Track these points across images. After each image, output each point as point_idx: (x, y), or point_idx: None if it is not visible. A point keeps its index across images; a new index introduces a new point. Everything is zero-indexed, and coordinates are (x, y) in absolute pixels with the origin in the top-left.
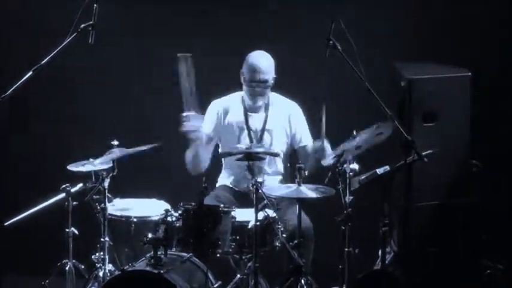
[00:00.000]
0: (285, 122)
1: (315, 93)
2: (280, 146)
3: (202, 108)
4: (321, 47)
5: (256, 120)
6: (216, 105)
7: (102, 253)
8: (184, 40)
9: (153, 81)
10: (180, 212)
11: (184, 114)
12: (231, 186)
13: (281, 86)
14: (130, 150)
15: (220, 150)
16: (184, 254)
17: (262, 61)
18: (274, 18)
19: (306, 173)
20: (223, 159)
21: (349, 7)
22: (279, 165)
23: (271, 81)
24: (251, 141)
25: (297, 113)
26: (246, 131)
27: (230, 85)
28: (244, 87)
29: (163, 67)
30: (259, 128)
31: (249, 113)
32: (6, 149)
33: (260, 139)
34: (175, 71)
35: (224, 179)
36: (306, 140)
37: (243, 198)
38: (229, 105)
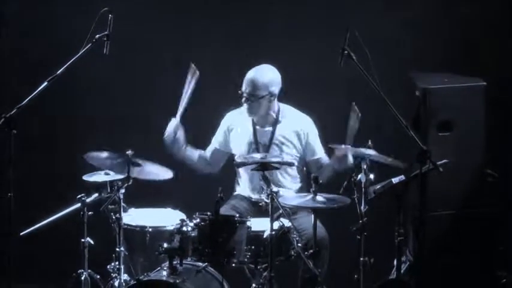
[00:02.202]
0: (293, 135)
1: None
2: (290, 158)
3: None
4: (336, 57)
5: (264, 134)
6: (228, 118)
7: (117, 263)
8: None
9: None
10: (195, 221)
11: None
12: (246, 195)
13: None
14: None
15: (235, 160)
16: (200, 264)
17: (255, 75)
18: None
19: (321, 181)
20: (238, 168)
21: (363, 16)
22: (293, 175)
23: (261, 96)
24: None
25: (308, 126)
26: (254, 145)
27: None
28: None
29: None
30: (267, 142)
31: (257, 127)
32: (22, 158)
33: (267, 152)
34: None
35: (239, 188)
36: (319, 153)
37: (258, 208)
38: (240, 118)
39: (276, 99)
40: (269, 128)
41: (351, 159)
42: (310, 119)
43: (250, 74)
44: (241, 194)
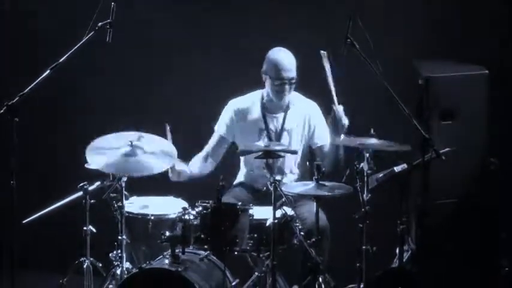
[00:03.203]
0: (303, 121)
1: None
2: (297, 145)
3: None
4: (338, 45)
5: (275, 120)
6: (233, 106)
7: (119, 251)
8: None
9: (172, 76)
10: (197, 210)
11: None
12: (248, 183)
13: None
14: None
15: (239, 148)
16: (202, 252)
17: (287, 58)
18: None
19: (324, 170)
20: (241, 157)
21: (365, 5)
22: (295, 163)
23: (296, 78)
24: (270, 140)
25: (316, 113)
26: (265, 132)
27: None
28: (269, 86)
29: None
30: (279, 128)
31: (268, 114)
32: (24, 147)
33: (278, 139)
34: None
35: (242, 176)
36: (324, 140)
37: (260, 196)
38: (247, 106)
39: None
40: (279, 114)
41: (344, 119)
42: (316, 105)
43: (281, 58)
44: (243, 182)
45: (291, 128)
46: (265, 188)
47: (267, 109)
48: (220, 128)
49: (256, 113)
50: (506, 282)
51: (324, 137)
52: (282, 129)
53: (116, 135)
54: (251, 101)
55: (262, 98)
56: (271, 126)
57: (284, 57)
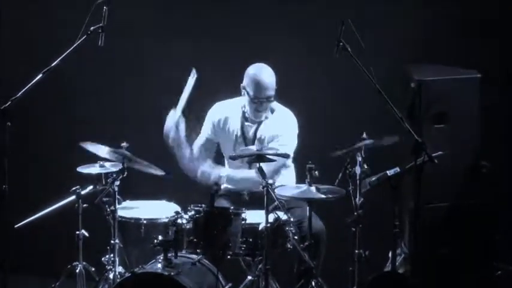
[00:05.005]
0: (275, 130)
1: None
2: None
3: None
4: (330, 49)
5: (250, 129)
6: (218, 109)
7: (112, 255)
8: (188, 42)
9: (163, 82)
10: (190, 214)
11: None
12: (233, 191)
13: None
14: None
15: (224, 153)
16: (195, 256)
17: (266, 77)
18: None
19: (317, 173)
20: (226, 162)
21: (358, 8)
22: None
23: (273, 94)
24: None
25: (288, 121)
26: (241, 138)
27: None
28: (247, 102)
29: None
30: (252, 136)
31: (246, 123)
32: (16, 151)
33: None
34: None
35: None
36: (281, 147)
37: (240, 199)
38: (230, 111)
39: None
40: (255, 125)
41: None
42: (291, 114)
43: (261, 77)
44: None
45: (263, 136)
46: (248, 196)
47: (246, 118)
48: (205, 130)
49: (236, 119)
50: (500, 285)
51: (287, 146)
52: (255, 137)
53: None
54: (234, 107)
55: (244, 106)
56: (247, 134)
57: (264, 77)
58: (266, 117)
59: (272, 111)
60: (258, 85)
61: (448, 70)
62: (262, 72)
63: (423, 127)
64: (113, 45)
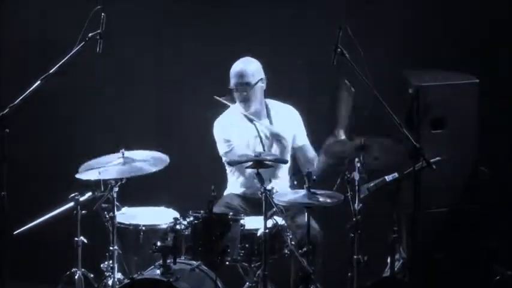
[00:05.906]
0: (288, 125)
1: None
2: (290, 150)
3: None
4: (328, 55)
5: (263, 127)
6: (222, 123)
7: (111, 262)
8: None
9: (167, 85)
10: (188, 220)
11: None
12: (239, 193)
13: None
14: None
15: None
16: (193, 262)
17: (243, 63)
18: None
19: (315, 178)
20: (231, 166)
21: (356, 15)
22: (285, 171)
23: (255, 83)
24: (263, 148)
25: (295, 114)
26: (258, 139)
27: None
28: (235, 96)
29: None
30: (268, 134)
31: (255, 122)
32: (15, 158)
33: (271, 145)
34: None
35: (232, 186)
36: (302, 140)
37: (252, 205)
38: (234, 119)
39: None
40: (265, 120)
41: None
42: (293, 109)
43: (237, 65)
44: (233, 192)
45: (281, 133)
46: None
47: (250, 120)
48: (223, 148)
49: (243, 124)
50: None
51: (302, 137)
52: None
53: (102, 157)
54: (234, 114)
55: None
56: (262, 133)
57: (240, 64)
58: (267, 112)
59: (268, 109)
60: (234, 72)
61: (446, 75)
62: (240, 61)
63: (421, 133)
64: (112, 49)
